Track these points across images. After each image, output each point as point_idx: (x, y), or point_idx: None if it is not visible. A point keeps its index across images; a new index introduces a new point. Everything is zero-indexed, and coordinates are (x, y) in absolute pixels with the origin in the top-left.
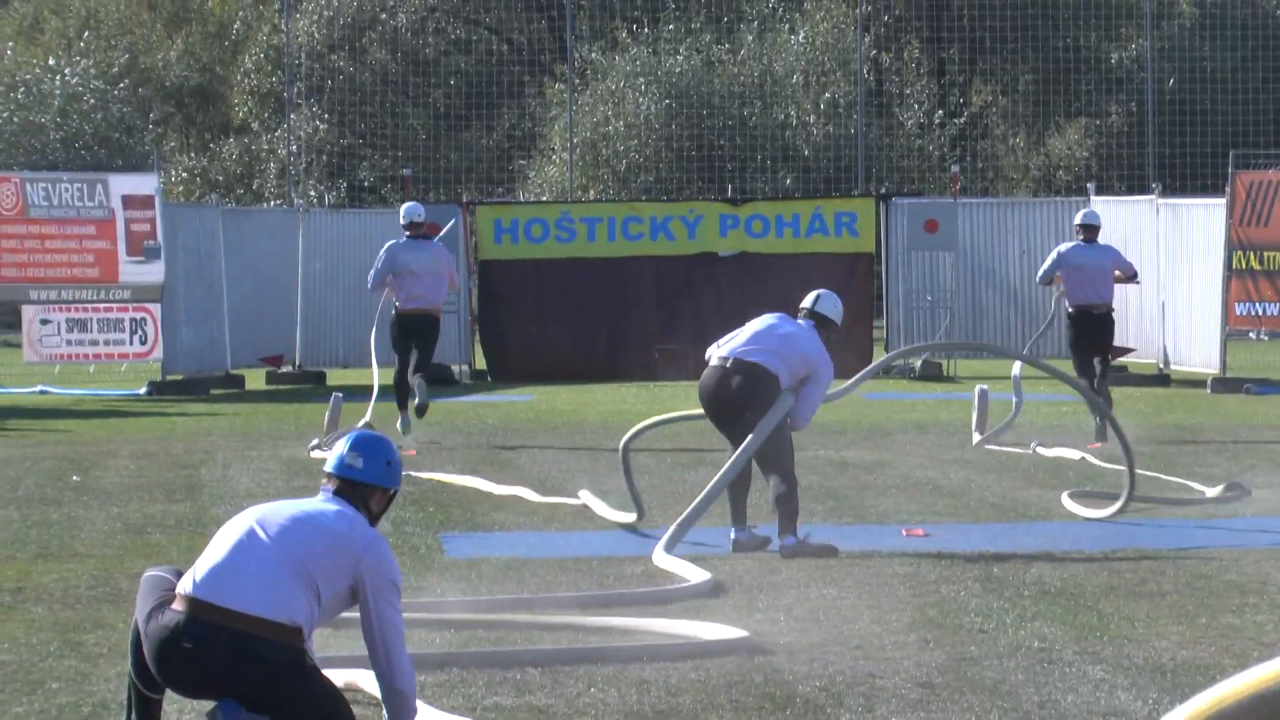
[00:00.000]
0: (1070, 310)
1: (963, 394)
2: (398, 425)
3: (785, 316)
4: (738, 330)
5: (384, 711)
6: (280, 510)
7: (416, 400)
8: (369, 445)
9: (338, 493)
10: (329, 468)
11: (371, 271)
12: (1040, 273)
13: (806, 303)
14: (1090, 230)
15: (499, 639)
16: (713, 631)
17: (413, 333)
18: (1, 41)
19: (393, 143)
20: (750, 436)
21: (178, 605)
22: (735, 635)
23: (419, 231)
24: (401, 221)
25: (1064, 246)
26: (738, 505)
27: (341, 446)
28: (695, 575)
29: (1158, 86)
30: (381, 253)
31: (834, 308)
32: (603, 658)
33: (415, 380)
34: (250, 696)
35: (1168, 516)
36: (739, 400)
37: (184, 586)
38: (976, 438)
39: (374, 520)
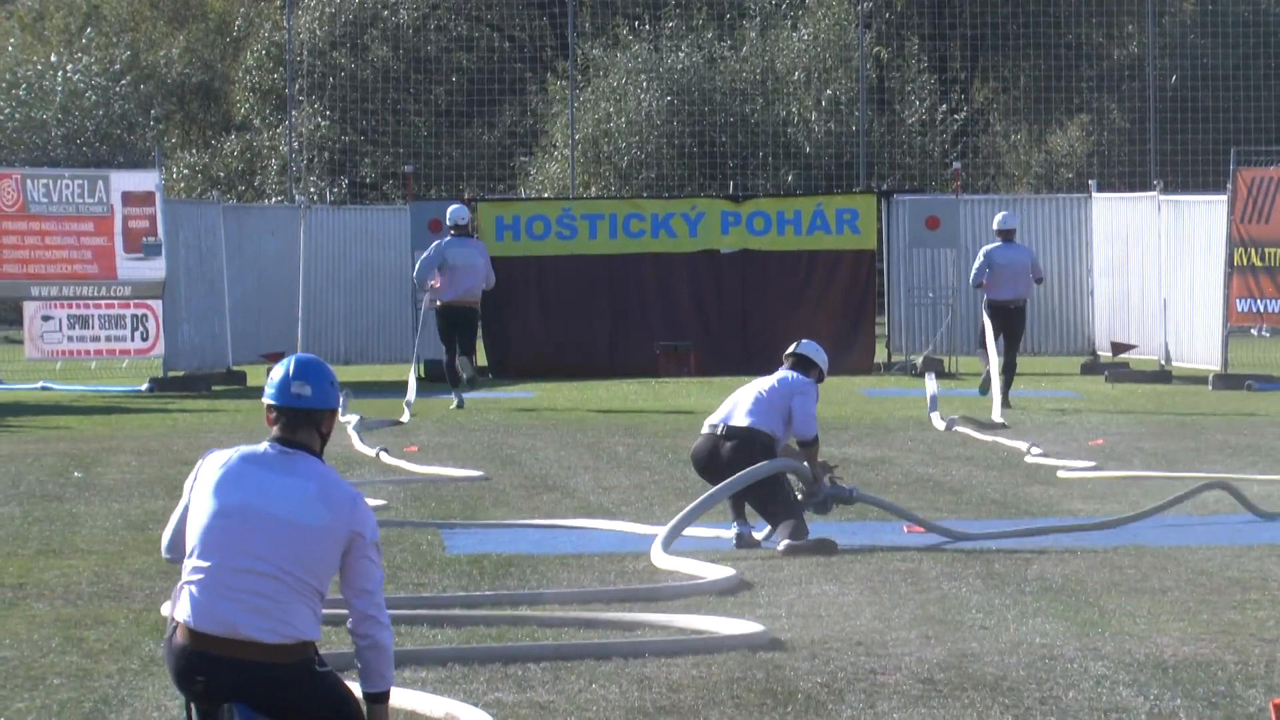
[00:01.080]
0: (989, 303)
1: (966, 390)
2: (453, 405)
3: (766, 377)
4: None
5: (360, 676)
6: (259, 510)
7: (467, 374)
8: (312, 369)
9: (288, 428)
10: (272, 399)
11: (419, 265)
12: (973, 275)
13: (790, 349)
14: (1009, 233)
15: (500, 635)
16: (730, 626)
17: (454, 323)
18: (5, 36)
19: (394, 139)
20: (753, 468)
21: (181, 637)
22: (752, 630)
23: (464, 231)
24: (447, 223)
25: (989, 248)
26: (739, 502)
27: (279, 374)
28: (714, 572)
29: (1159, 83)
30: (431, 248)
31: (816, 351)
32: (603, 653)
33: (461, 361)
34: (265, 705)
35: (1171, 514)
36: (732, 463)
37: (183, 612)
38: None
39: (324, 444)
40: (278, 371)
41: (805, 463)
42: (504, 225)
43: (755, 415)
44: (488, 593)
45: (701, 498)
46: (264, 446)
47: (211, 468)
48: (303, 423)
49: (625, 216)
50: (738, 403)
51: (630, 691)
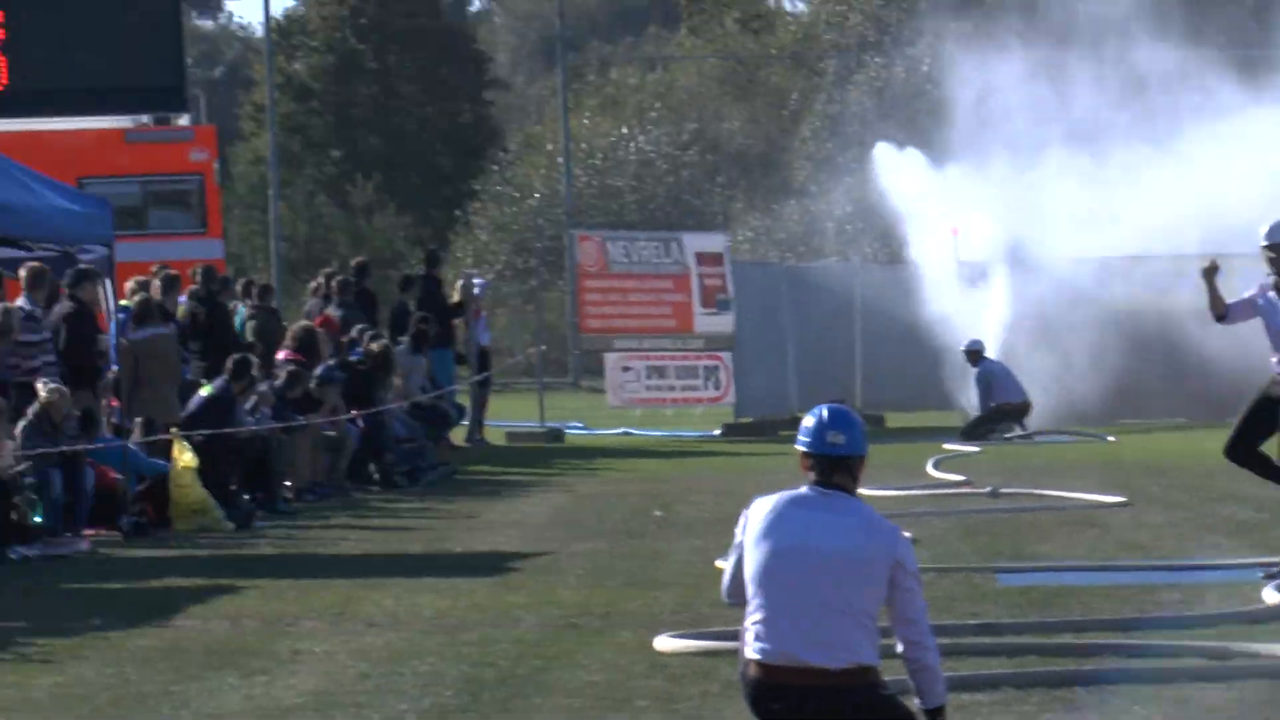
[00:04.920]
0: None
1: None
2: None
3: None
4: None
5: (917, 695)
6: (808, 546)
7: None
8: (844, 419)
9: (824, 474)
10: (808, 448)
11: None
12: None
13: None
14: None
15: (1048, 661)
16: None
17: None
18: (581, 114)
19: None
20: None
21: (753, 671)
22: None
23: None
24: None
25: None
26: None
27: (812, 423)
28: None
29: None
30: None
31: None
32: (1136, 679)
33: None
34: None
35: None
36: None
37: (752, 649)
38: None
39: (856, 486)
40: (810, 420)
41: None
42: None
43: None
44: (1036, 620)
45: None
46: (804, 489)
47: (759, 514)
48: (838, 468)
49: None
50: None
51: (1170, 712)
